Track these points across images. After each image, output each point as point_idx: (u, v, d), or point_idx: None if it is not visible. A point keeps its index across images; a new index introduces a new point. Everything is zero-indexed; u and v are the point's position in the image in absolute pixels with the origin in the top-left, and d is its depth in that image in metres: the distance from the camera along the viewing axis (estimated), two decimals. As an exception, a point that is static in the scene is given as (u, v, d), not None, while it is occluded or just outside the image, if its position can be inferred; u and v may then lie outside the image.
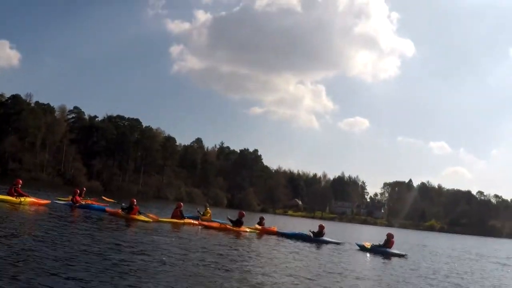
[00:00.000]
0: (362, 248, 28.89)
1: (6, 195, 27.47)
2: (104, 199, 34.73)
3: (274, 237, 31.34)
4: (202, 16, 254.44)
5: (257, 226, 33.47)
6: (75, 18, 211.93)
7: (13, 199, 27.18)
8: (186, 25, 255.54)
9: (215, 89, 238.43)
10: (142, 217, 28.48)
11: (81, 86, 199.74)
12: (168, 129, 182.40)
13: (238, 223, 31.98)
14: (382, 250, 28.10)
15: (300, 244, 27.91)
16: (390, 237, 28.80)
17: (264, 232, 32.78)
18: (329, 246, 29.67)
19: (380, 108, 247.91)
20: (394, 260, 25.69)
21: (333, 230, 35.36)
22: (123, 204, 30.45)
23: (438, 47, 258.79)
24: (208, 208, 35.57)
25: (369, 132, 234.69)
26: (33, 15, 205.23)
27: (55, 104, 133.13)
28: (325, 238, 31.96)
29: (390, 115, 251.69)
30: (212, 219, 34.97)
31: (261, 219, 34.99)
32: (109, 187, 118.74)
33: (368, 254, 26.67)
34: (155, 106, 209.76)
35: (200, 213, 33.78)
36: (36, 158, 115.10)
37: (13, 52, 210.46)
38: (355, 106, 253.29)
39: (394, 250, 28.69)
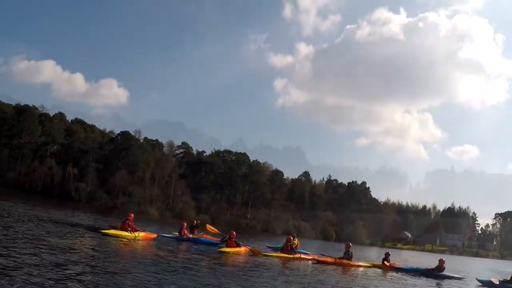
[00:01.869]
0: (487, 284, 25.11)
1: (120, 230, 27.44)
2: (209, 229, 31.58)
3: (393, 272, 28.43)
4: (304, 48, 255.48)
5: (385, 263, 30.40)
6: (177, 56, 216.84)
7: (129, 234, 27.13)
8: (288, 59, 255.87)
9: (320, 122, 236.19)
10: (231, 249, 26.98)
11: (187, 122, 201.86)
12: (275, 163, 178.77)
13: (346, 256, 28.67)
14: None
15: (421, 280, 26.04)
16: None
17: (384, 268, 29.66)
18: (450, 281, 26.92)
19: (490, 135, 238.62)
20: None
21: (447, 263, 31.38)
22: (225, 237, 29.24)
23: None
24: (296, 239, 31.32)
25: (478, 160, 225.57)
26: (138, 54, 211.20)
27: (163, 140, 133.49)
28: (445, 273, 29.17)
29: (501, 142, 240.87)
30: (299, 250, 31.53)
31: (387, 255, 31.36)
32: (218, 220, 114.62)
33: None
34: (260, 140, 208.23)
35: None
36: (146, 192, 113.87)
37: (121, 90, 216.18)
38: (463, 133, 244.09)
39: None
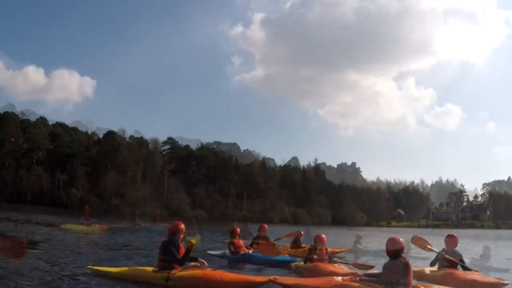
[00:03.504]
0: None
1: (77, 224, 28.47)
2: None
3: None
4: (258, 17, 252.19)
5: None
6: (127, 46, 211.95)
7: (85, 227, 27.50)
8: (243, 30, 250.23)
9: (284, 95, 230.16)
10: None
11: (139, 107, 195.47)
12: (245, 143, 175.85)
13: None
14: None
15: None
16: None
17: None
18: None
19: (476, 94, 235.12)
20: None
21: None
22: None
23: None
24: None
25: (462, 123, 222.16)
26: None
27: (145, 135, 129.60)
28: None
29: (486, 101, 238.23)
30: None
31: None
32: (214, 214, 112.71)
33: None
34: (224, 122, 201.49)
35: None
36: (138, 192, 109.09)
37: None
38: (451, 96, 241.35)
39: None
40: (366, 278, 10.54)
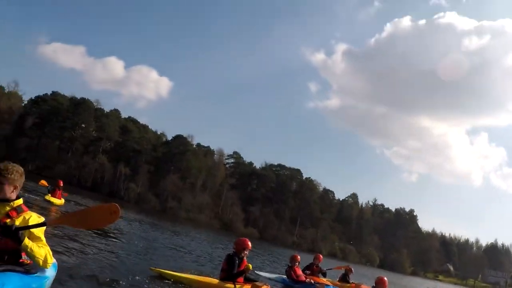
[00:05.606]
0: None
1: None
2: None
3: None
4: (340, 47, 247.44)
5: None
6: (208, 53, 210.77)
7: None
8: (323, 57, 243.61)
9: (357, 132, 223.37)
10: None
11: (210, 123, 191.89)
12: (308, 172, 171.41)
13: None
14: None
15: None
16: None
17: None
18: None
19: None
20: None
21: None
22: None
23: None
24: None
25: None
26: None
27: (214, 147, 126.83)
28: None
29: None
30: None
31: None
32: (265, 235, 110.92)
33: None
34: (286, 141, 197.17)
35: None
36: (195, 199, 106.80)
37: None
38: None
39: None
40: None
